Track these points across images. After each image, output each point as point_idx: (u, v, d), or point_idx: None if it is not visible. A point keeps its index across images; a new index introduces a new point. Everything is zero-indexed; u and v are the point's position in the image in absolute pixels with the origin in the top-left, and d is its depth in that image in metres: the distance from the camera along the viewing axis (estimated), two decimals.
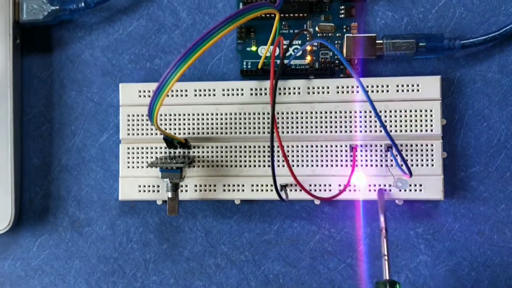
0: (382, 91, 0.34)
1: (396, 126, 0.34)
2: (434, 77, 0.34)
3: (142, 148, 0.36)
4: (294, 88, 0.35)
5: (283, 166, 0.34)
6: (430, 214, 0.35)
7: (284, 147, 0.33)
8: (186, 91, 0.35)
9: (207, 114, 0.35)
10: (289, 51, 0.36)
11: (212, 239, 0.37)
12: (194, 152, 0.35)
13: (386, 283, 0.28)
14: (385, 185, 0.34)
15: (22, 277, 0.38)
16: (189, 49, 0.27)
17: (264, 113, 0.35)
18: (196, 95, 0.35)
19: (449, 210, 0.35)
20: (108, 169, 0.38)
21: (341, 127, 0.35)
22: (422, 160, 0.34)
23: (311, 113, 0.35)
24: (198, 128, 0.35)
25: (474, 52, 0.36)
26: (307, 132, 0.35)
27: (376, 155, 0.34)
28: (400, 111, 0.34)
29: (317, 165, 0.35)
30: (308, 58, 0.36)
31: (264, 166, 0.35)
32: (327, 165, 0.35)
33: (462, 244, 0.35)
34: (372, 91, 0.34)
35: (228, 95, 0.35)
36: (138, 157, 0.36)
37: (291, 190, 0.35)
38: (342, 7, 0.36)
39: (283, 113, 0.35)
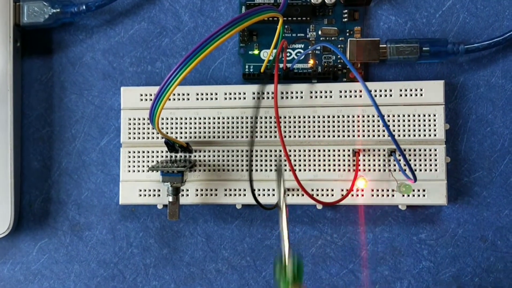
0: (385, 96, 0.34)
1: (399, 130, 0.34)
2: (437, 82, 0.34)
3: (143, 152, 0.36)
4: (297, 92, 0.35)
5: (285, 170, 0.34)
6: (433, 219, 0.35)
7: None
8: (188, 94, 0.35)
9: (209, 118, 0.35)
10: (292, 55, 0.36)
11: (213, 244, 0.37)
12: (195, 156, 0.35)
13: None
14: (388, 190, 0.34)
15: (22, 282, 0.37)
16: (191, 53, 0.26)
17: (266, 117, 0.35)
18: (198, 99, 0.35)
19: (452, 216, 0.35)
20: (108, 173, 0.37)
21: (344, 131, 0.34)
22: (425, 165, 0.34)
23: (314, 117, 0.35)
24: (200, 132, 0.35)
25: (477, 57, 0.35)
26: (309, 136, 0.34)
27: (379, 160, 0.34)
28: (403, 116, 0.34)
29: (319, 170, 0.34)
30: (311, 61, 0.35)
31: (266, 170, 0.35)
32: (329, 170, 0.34)
33: (465, 250, 0.35)
34: (375, 96, 0.34)
35: (230, 98, 0.35)
36: (138, 161, 0.36)
37: (293, 195, 0.34)
38: (346, 11, 0.36)
39: (285, 117, 0.35)
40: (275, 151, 0.35)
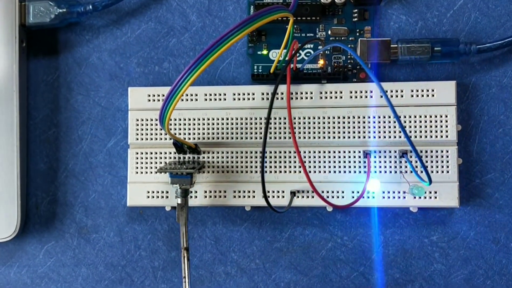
0: (397, 96, 0.34)
1: (410, 131, 0.33)
2: (449, 82, 0.34)
3: (151, 153, 0.35)
4: (307, 93, 0.34)
5: (295, 172, 0.34)
6: (445, 221, 0.35)
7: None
8: (196, 95, 0.35)
9: (217, 119, 0.35)
10: (301, 55, 0.36)
11: (222, 246, 0.36)
12: (204, 157, 0.35)
13: None
14: (399, 192, 0.33)
15: (28, 285, 0.37)
16: (202, 54, 0.26)
17: (275, 118, 0.34)
18: (206, 100, 0.35)
19: (464, 218, 0.35)
20: (116, 174, 0.37)
21: (354, 132, 0.34)
22: (437, 167, 0.33)
23: (324, 118, 0.34)
24: (208, 133, 0.35)
25: (489, 57, 0.35)
26: (319, 137, 0.34)
27: (390, 161, 0.34)
28: (415, 117, 0.33)
29: (329, 171, 0.34)
30: (321, 62, 0.35)
31: (275, 172, 0.34)
32: (340, 171, 0.34)
33: (477, 252, 0.35)
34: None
35: (239, 99, 0.35)
36: (146, 162, 0.35)
37: (303, 197, 0.34)
38: (356, 10, 0.35)
39: (295, 118, 0.34)
40: (285, 152, 0.34)
